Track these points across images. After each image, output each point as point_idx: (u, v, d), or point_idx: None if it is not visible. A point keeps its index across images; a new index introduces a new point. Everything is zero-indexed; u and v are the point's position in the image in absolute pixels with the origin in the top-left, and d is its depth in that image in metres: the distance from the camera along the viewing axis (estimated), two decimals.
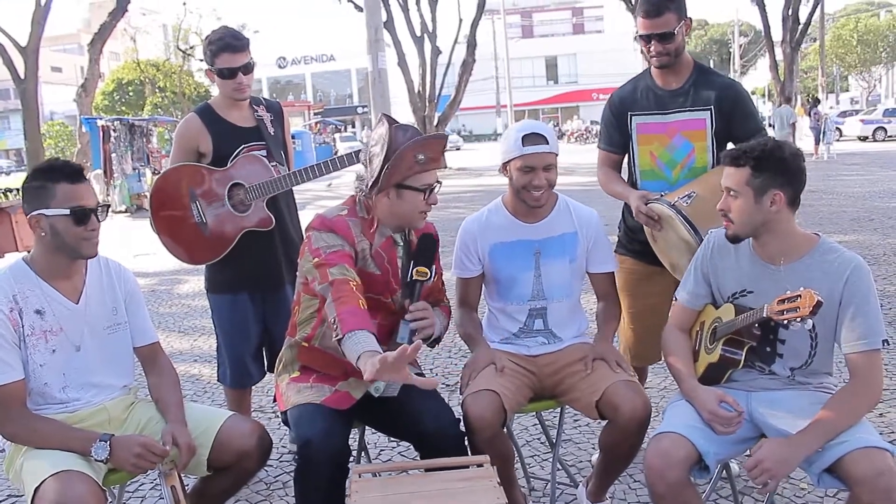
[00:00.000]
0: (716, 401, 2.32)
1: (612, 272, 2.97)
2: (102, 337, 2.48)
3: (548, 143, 2.72)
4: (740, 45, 56.38)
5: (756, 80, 65.37)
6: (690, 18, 2.99)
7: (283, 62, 62.28)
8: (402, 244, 2.63)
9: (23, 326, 2.32)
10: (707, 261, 2.56)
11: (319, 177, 3.28)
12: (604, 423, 2.67)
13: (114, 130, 17.76)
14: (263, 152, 3.34)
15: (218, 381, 3.59)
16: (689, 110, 3.01)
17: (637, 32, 3.01)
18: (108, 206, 2.47)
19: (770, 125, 19.92)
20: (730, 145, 3.07)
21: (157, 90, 42.25)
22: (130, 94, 45.05)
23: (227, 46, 3.24)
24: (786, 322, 2.21)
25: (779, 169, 2.31)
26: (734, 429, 2.30)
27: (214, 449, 2.42)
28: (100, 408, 2.47)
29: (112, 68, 49.21)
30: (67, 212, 2.30)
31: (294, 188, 3.37)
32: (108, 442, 2.23)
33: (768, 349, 2.45)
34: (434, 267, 2.62)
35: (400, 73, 25.45)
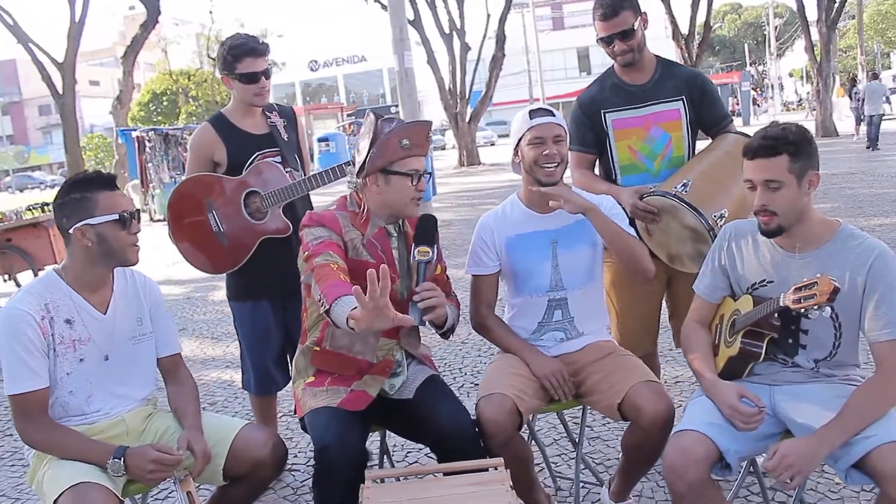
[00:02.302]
0: (736, 396, 2.26)
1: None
2: (128, 347, 2.52)
3: (554, 116, 2.73)
4: (775, 28, 55.31)
5: (793, 61, 64.27)
6: (645, 13, 3.09)
7: (314, 65, 62.69)
8: (395, 234, 2.62)
9: (53, 335, 2.36)
10: (724, 252, 2.50)
11: (335, 181, 3.27)
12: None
13: (148, 141, 18.03)
14: (278, 158, 3.34)
15: (243, 388, 3.61)
16: (662, 101, 3.09)
17: (597, 36, 3.07)
18: (139, 210, 2.52)
19: (860, 99, 19.85)
20: (701, 138, 3.18)
21: (190, 99, 42.82)
22: (165, 104, 45.73)
23: (251, 51, 3.25)
24: (804, 310, 2.15)
25: (810, 149, 2.26)
26: (755, 425, 2.24)
27: (229, 458, 2.42)
28: (118, 419, 2.49)
29: (148, 79, 50.03)
30: (116, 216, 2.37)
31: (312, 193, 3.37)
32: (122, 458, 2.24)
33: (790, 340, 2.38)
34: (436, 246, 2.58)
35: (430, 71, 25.46)
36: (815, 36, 24.40)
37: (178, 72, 43.73)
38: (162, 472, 2.26)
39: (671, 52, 25.72)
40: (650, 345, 3.36)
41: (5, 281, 9.49)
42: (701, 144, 3.19)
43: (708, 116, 3.13)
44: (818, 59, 24.05)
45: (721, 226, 2.66)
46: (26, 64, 31.13)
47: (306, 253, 2.46)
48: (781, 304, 2.20)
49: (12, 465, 4.16)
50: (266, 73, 3.30)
